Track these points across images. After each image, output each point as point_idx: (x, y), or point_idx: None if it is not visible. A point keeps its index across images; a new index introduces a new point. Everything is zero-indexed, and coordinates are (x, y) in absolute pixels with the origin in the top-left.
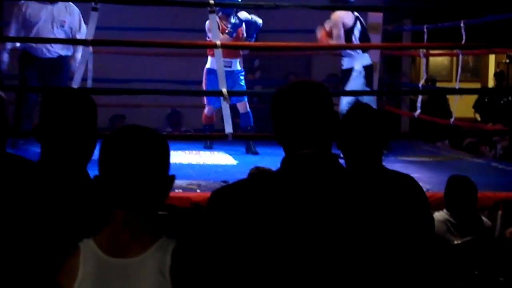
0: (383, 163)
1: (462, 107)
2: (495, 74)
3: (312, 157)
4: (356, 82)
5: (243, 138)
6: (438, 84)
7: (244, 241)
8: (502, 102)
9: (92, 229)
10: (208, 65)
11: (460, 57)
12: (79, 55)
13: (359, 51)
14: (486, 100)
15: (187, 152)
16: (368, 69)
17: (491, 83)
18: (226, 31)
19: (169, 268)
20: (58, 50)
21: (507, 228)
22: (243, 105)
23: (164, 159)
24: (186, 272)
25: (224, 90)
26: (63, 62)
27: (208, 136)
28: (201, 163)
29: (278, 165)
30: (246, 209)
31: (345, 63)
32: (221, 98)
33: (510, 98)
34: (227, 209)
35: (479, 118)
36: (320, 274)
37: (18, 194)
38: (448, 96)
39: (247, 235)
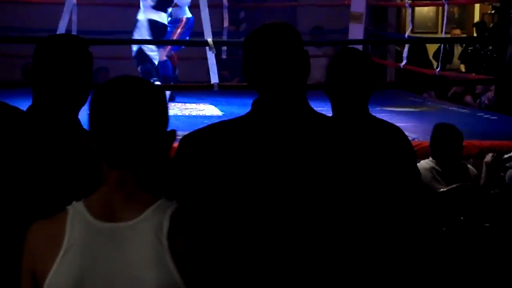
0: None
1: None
2: (475, 24)
3: (282, 100)
4: (138, 34)
5: (229, 89)
6: (424, 36)
7: (215, 186)
8: (482, 52)
9: (84, 185)
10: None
11: (446, 7)
12: None
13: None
14: (469, 50)
15: (172, 104)
16: (153, 24)
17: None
18: None
19: (167, 233)
20: None
21: (492, 176)
22: (162, 53)
23: (162, 112)
24: (187, 237)
25: (210, 40)
26: None
27: (195, 87)
28: (187, 114)
29: None
30: (215, 152)
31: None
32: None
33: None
34: (197, 153)
35: (463, 69)
36: (291, 220)
37: (7, 141)
38: (428, 47)
39: (217, 180)
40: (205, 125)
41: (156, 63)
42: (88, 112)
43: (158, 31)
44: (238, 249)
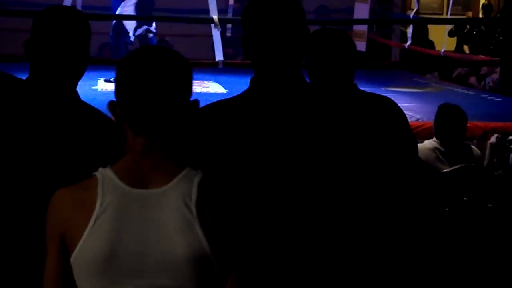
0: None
1: (451, 40)
2: (483, 6)
3: (281, 76)
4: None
5: (234, 66)
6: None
7: (214, 166)
8: (490, 35)
9: (87, 153)
10: None
11: None
12: None
13: None
14: (474, 32)
15: None
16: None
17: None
18: None
19: (196, 201)
20: None
21: (496, 157)
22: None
23: (188, 82)
24: (213, 206)
25: (215, 17)
26: None
27: (199, 64)
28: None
29: None
30: (214, 131)
31: None
32: None
33: (498, 30)
34: (196, 133)
35: (467, 51)
36: (291, 196)
37: (8, 112)
38: (430, 28)
39: (216, 160)
40: (205, 104)
41: (132, 38)
42: (115, 80)
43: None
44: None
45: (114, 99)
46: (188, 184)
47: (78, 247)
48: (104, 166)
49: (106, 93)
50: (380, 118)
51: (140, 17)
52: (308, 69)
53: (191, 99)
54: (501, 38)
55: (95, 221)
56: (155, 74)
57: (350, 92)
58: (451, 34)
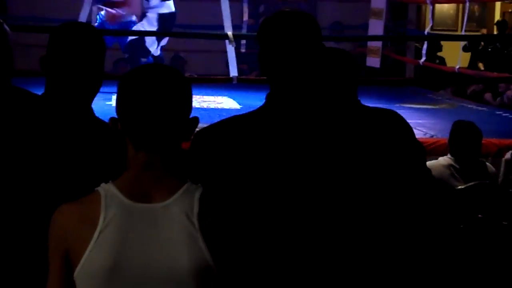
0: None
1: (466, 56)
2: (497, 23)
3: (297, 92)
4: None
5: (248, 82)
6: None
7: (228, 180)
8: (505, 52)
9: (99, 169)
10: None
11: (467, 4)
12: None
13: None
14: (489, 49)
15: None
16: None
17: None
18: None
19: (197, 215)
20: None
21: (511, 174)
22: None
23: (188, 99)
24: (215, 219)
25: (230, 33)
26: None
27: (214, 80)
28: (205, 107)
29: None
30: (228, 147)
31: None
32: None
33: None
34: (210, 148)
35: (482, 68)
36: (306, 211)
37: (24, 127)
38: (444, 45)
39: (231, 174)
40: (219, 119)
41: (152, 57)
42: (117, 96)
43: (166, 22)
44: (255, 240)
45: (115, 116)
46: (189, 198)
47: (82, 261)
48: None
49: None
50: (385, 131)
51: (155, 32)
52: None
53: (191, 115)
54: None
55: (98, 235)
56: (156, 91)
57: (355, 108)
58: (465, 49)
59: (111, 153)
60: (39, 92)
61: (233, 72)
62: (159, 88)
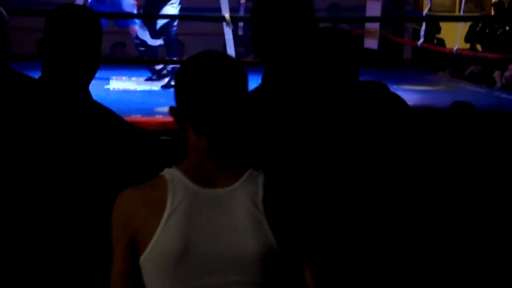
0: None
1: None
2: (494, 4)
3: (292, 72)
4: None
5: (245, 65)
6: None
7: None
8: (498, 32)
9: (98, 152)
10: None
11: None
12: None
13: None
14: (487, 30)
15: None
16: None
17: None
18: None
19: (262, 199)
20: None
21: None
22: (133, 29)
23: (246, 84)
24: (279, 203)
25: (227, 15)
26: None
27: None
28: None
29: None
30: None
31: None
32: None
33: (507, 28)
34: None
35: (480, 49)
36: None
37: (22, 111)
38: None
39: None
40: None
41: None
42: (177, 85)
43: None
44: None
45: (174, 105)
46: (253, 183)
47: (150, 246)
48: (115, 164)
49: (118, 92)
50: (378, 103)
51: (151, 15)
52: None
53: None
54: None
55: (166, 220)
56: (219, 78)
57: (354, 86)
58: (467, 39)
59: (110, 136)
60: (36, 76)
61: (231, 54)
62: (220, 75)
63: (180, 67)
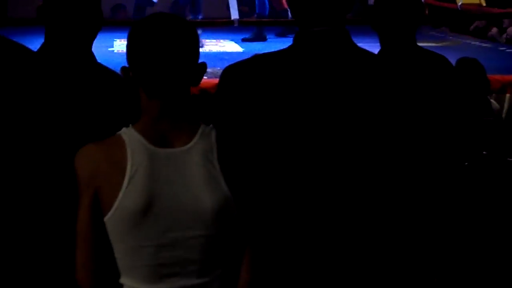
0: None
1: None
2: None
3: (325, 34)
4: None
5: (249, 25)
6: None
7: (256, 115)
8: None
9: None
10: None
11: None
12: None
13: None
14: None
15: None
16: None
17: None
18: None
19: (217, 155)
20: None
21: None
22: None
23: (196, 45)
24: (232, 157)
25: None
26: None
27: (215, 23)
28: (207, 51)
29: None
30: (255, 83)
31: None
32: None
33: None
34: (238, 83)
35: (484, 4)
36: (328, 156)
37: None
38: None
39: (256, 110)
40: (222, 63)
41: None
42: (127, 46)
43: None
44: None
45: (126, 65)
46: (207, 140)
47: (114, 207)
48: (120, 126)
49: (122, 54)
50: (431, 78)
51: None
52: (373, 20)
53: (199, 61)
54: None
55: (129, 181)
56: (166, 39)
57: (409, 51)
58: None
59: (117, 98)
60: (38, 40)
61: (234, 15)
62: (168, 36)
63: (130, 28)
